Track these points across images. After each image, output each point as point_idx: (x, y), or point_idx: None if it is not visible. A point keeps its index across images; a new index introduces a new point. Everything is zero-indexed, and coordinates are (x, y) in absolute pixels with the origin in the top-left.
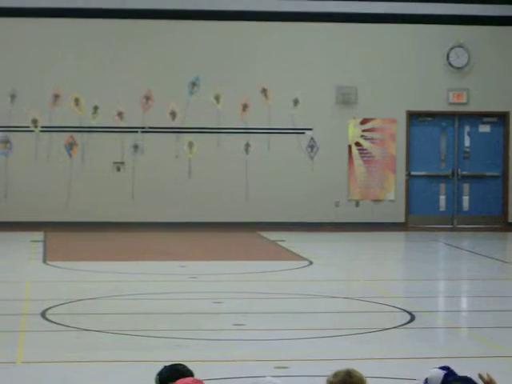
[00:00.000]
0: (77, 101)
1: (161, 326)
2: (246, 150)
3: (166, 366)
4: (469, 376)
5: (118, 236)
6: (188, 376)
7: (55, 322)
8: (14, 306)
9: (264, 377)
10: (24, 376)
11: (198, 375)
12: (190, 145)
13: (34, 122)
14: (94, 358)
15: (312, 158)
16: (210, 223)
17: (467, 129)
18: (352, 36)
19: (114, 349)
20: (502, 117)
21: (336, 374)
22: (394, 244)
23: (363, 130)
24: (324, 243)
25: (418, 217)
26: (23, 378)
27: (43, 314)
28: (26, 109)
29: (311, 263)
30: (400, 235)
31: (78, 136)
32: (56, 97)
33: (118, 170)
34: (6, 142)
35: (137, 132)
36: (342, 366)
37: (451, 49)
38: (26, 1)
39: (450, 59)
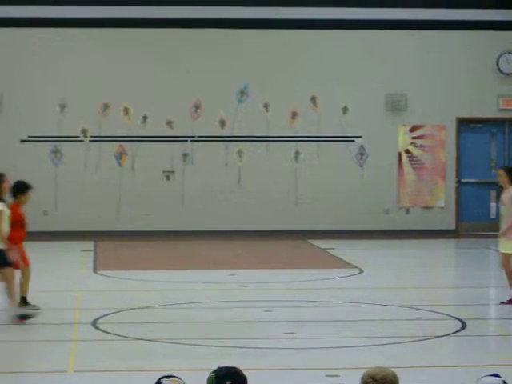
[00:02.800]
0: (126, 110)
1: (211, 334)
2: (296, 158)
3: (223, 367)
4: None
5: (168, 245)
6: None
7: (106, 331)
8: (66, 316)
9: None
10: None
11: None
12: (240, 153)
13: (84, 131)
14: (145, 367)
15: (361, 165)
16: (259, 231)
17: None
18: (401, 43)
19: (166, 357)
20: None
21: (382, 379)
22: (444, 251)
23: (413, 137)
24: (374, 251)
25: (469, 224)
26: None
27: (94, 324)
28: (75, 118)
29: (361, 271)
30: (450, 242)
31: (127, 145)
32: (105, 106)
33: (168, 178)
34: None
35: (186, 141)
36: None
37: (501, 55)
38: (75, 11)
39: (500, 65)
